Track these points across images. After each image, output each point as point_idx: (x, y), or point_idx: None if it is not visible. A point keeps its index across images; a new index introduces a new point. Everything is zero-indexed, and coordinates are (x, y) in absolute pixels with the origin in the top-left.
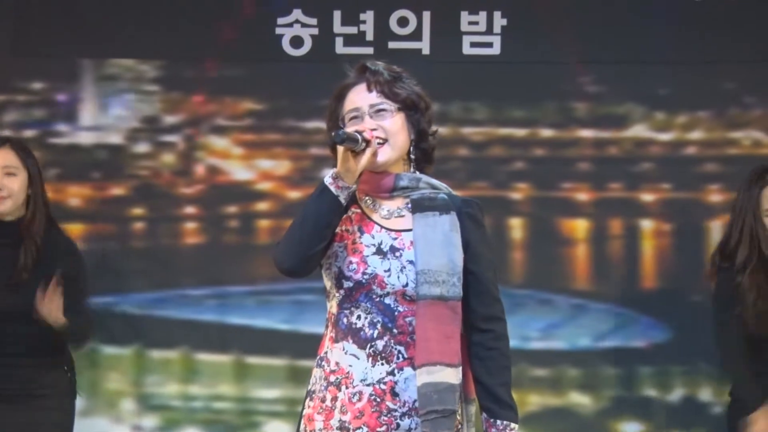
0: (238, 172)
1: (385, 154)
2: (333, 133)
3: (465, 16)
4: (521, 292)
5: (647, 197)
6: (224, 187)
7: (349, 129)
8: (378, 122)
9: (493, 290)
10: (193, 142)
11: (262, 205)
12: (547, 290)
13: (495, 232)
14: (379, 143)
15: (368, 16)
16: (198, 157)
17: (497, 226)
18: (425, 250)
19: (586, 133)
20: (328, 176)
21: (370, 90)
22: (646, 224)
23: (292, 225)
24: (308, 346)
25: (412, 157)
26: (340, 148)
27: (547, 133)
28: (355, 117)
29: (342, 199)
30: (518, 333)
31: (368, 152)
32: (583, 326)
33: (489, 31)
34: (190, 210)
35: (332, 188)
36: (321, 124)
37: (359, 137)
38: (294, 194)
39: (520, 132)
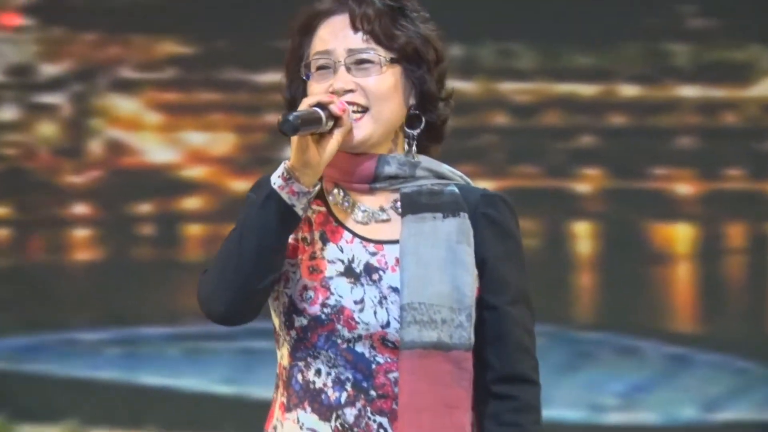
0: (155, 150)
1: (364, 129)
2: (280, 120)
3: None
4: (591, 336)
5: None
6: (133, 174)
7: (306, 102)
8: (357, 79)
9: (522, 336)
10: (86, 105)
11: (191, 203)
12: (631, 333)
13: (549, 242)
14: (356, 113)
15: None
16: (93, 128)
17: (553, 234)
18: (417, 273)
19: (689, 92)
20: (276, 174)
21: (354, 27)
22: None
23: (224, 249)
24: (260, 416)
25: (409, 132)
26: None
27: (628, 90)
28: (323, 67)
29: (299, 209)
30: (587, 399)
31: (338, 134)
32: (687, 388)
33: None
34: (80, 209)
35: (284, 194)
36: (280, 77)
37: (322, 115)
38: (239, 185)
39: (587, 89)
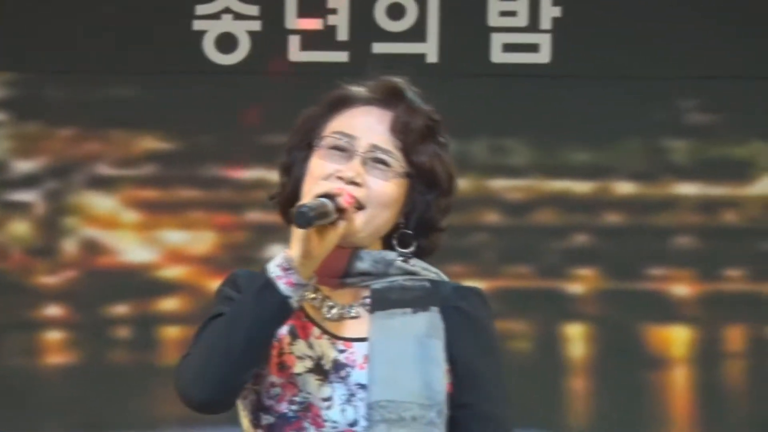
0: (132, 250)
1: (356, 225)
2: (295, 211)
3: (495, 3)
4: None
5: None
6: (109, 275)
7: (314, 192)
8: (367, 176)
9: None
10: (60, 203)
11: (170, 304)
12: None
13: (541, 345)
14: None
15: (341, 2)
16: (67, 227)
17: (545, 337)
18: (385, 370)
19: (688, 189)
20: (274, 264)
21: (391, 128)
22: None
23: (211, 335)
24: None
25: (404, 251)
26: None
27: (625, 188)
28: (340, 148)
29: (294, 301)
30: None
31: (341, 227)
32: None
33: (533, 26)
34: (54, 311)
35: (281, 285)
36: (264, 174)
37: (331, 207)
38: None
39: (582, 186)
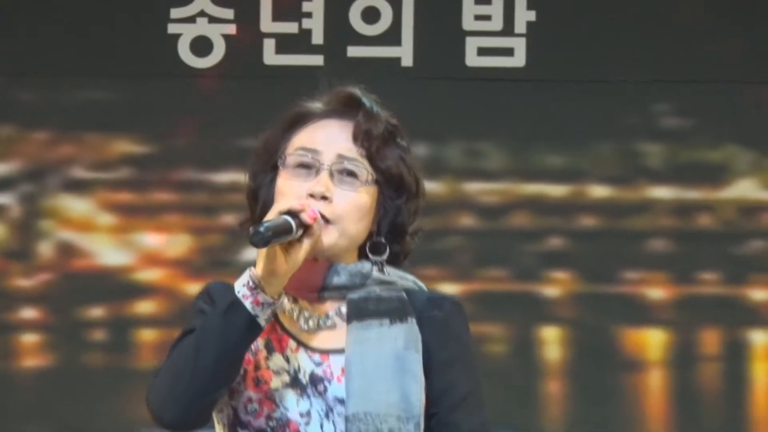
0: (107, 253)
1: (330, 238)
2: (251, 231)
3: (469, 7)
4: None
5: (760, 294)
6: (84, 278)
7: (277, 209)
8: (336, 188)
9: None
10: (35, 206)
11: (145, 307)
12: None
13: (517, 348)
14: (324, 221)
15: (316, 6)
16: (43, 230)
17: (520, 340)
18: (362, 382)
19: (662, 193)
20: (240, 283)
21: (354, 138)
22: (759, 338)
23: (180, 355)
24: None
25: (377, 258)
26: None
27: (599, 191)
28: (305, 165)
29: (262, 320)
30: None
31: (307, 244)
32: None
33: (508, 30)
34: (29, 314)
35: (248, 304)
36: (239, 177)
37: (293, 225)
38: (194, 288)
39: (556, 190)
